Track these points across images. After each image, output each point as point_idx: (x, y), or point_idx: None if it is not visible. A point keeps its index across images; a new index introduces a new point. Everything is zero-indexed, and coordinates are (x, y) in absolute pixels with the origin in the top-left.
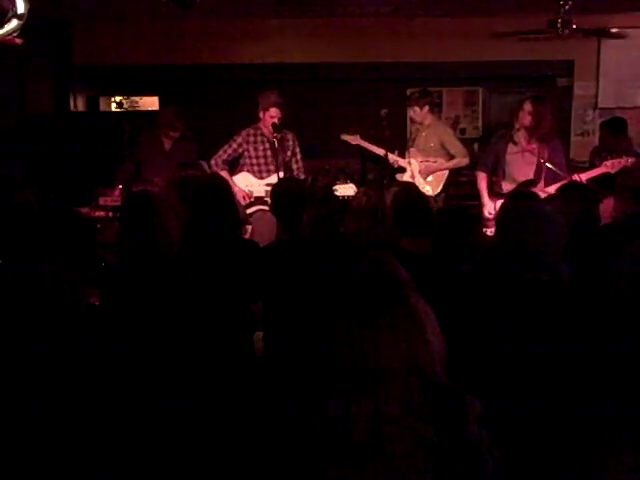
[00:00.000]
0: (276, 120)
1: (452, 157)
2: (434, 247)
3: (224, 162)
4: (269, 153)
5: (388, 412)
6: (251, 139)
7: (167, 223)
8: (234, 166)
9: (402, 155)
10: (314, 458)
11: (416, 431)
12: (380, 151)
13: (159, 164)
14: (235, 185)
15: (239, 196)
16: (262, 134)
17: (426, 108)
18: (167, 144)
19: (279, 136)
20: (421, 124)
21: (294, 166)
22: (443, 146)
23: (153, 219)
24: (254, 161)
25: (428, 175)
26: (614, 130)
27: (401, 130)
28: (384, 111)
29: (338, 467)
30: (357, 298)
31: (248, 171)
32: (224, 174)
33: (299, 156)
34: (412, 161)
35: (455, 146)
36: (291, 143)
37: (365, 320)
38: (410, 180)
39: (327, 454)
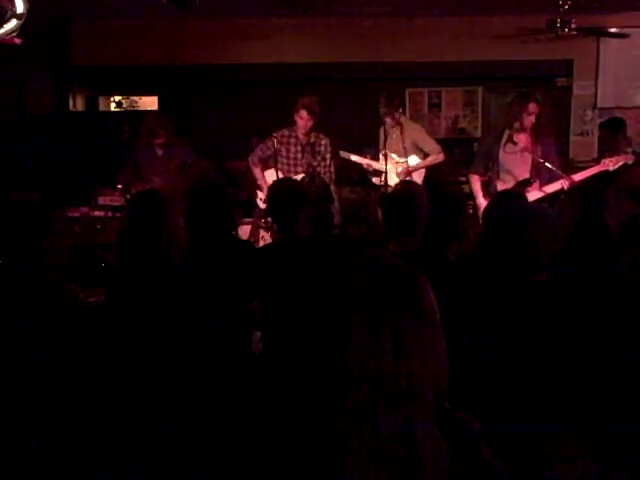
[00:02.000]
0: (304, 122)
1: (426, 155)
2: (425, 240)
3: (259, 159)
4: (299, 155)
5: (419, 416)
6: (284, 140)
7: (174, 223)
8: (270, 163)
9: (374, 157)
10: (329, 457)
11: (439, 441)
12: (353, 157)
13: (153, 170)
14: (263, 179)
15: (263, 188)
16: (295, 136)
17: (398, 113)
18: (159, 150)
19: (309, 136)
20: (394, 127)
21: (322, 170)
22: (416, 145)
23: (160, 219)
24: (284, 161)
25: (405, 176)
26: (613, 130)
27: (377, 131)
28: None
29: (360, 467)
30: (378, 300)
31: (278, 169)
32: (257, 170)
33: (329, 162)
34: (388, 163)
35: (428, 144)
36: (323, 149)
37: (391, 325)
38: (387, 182)
39: (349, 454)
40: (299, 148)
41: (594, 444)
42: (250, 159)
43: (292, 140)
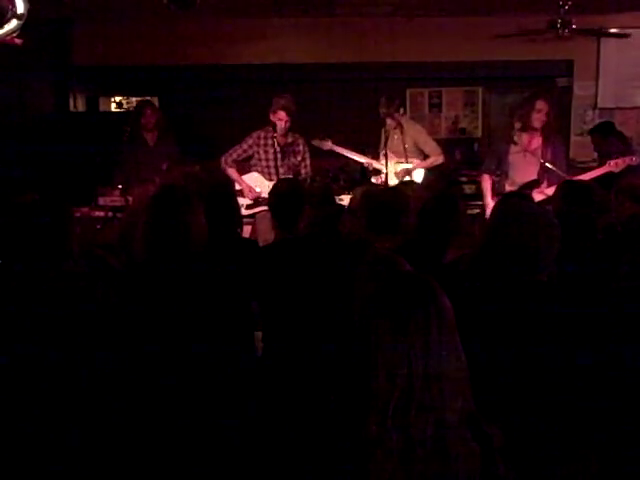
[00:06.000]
0: (283, 123)
1: (427, 156)
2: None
3: (233, 161)
4: (279, 156)
5: (450, 419)
6: (262, 142)
7: (198, 220)
8: (246, 165)
9: (375, 157)
10: (360, 459)
11: (470, 444)
12: (353, 155)
13: (145, 160)
14: (243, 182)
15: (246, 192)
16: (273, 137)
17: (401, 111)
18: (150, 140)
19: (286, 138)
20: (395, 127)
21: (302, 170)
22: (417, 146)
23: (185, 215)
24: (264, 163)
25: (405, 176)
26: (603, 134)
27: (377, 131)
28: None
29: (392, 468)
30: (400, 301)
31: (258, 172)
32: (232, 172)
33: (308, 161)
34: (388, 163)
35: (429, 145)
36: (301, 148)
37: (418, 324)
38: (387, 182)
39: (379, 457)
40: (277, 149)
41: (596, 447)
42: (223, 160)
43: (269, 142)
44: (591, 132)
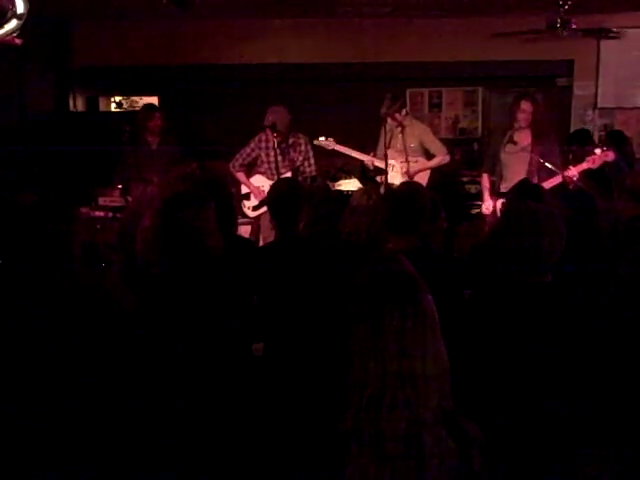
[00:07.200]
0: (273, 138)
1: (432, 156)
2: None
3: (240, 165)
4: (280, 158)
5: (424, 417)
6: (262, 144)
7: (211, 223)
8: (252, 167)
9: (377, 156)
10: (336, 456)
11: (446, 441)
12: (356, 154)
13: (146, 162)
14: (251, 185)
15: (254, 194)
16: (273, 139)
17: (403, 112)
18: (153, 143)
19: (286, 141)
20: (398, 127)
21: (307, 169)
22: (422, 145)
23: (198, 220)
24: (266, 165)
25: (410, 176)
26: (580, 143)
27: (378, 131)
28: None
29: (367, 466)
30: (382, 299)
31: (261, 173)
32: (240, 175)
33: (312, 160)
34: (393, 163)
35: (435, 144)
36: (303, 147)
37: (392, 322)
38: (392, 182)
39: (355, 454)
40: (278, 151)
41: (607, 447)
42: (231, 165)
43: (270, 144)
44: (568, 140)
